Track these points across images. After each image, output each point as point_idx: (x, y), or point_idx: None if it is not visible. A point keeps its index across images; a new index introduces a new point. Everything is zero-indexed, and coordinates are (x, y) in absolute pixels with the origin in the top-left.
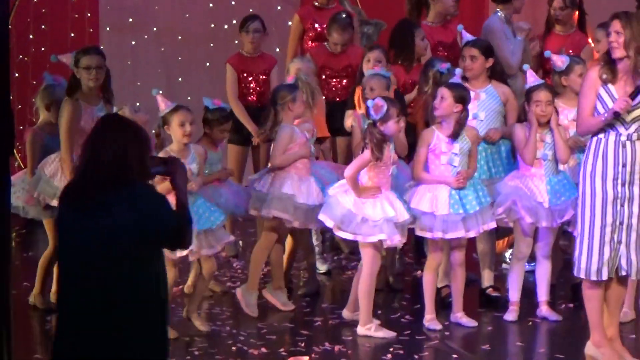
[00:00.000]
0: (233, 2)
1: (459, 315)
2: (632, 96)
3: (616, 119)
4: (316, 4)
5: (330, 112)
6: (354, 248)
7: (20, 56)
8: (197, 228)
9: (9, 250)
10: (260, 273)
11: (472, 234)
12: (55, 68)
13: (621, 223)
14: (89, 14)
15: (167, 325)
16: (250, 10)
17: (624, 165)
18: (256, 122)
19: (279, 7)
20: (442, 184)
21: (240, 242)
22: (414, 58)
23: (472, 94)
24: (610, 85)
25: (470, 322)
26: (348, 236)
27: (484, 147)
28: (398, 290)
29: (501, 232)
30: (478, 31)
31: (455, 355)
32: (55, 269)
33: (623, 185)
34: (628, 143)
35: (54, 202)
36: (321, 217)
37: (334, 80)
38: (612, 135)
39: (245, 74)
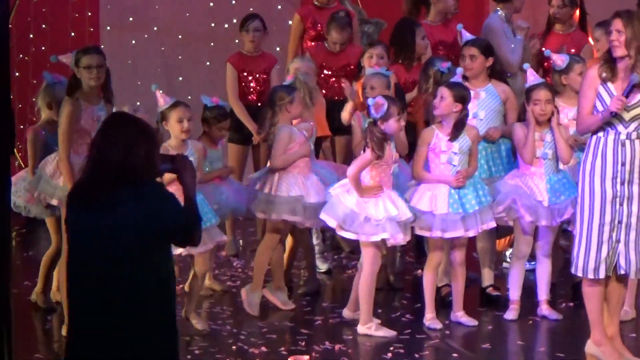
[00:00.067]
0: (233, 2)
1: (459, 314)
2: (625, 94)
3: (615, 117)
4: (316, 3)
5: (328, 111)
6: (354, 247)
7: (21, 55)
8: None
9: (9, 249)
10: (264, 273)
11: (471, 234)
12: (55, 68)
13: (620, 222)
14: (89, 13)
15: (175, 324)
16: (251, 9)
17: (624, 164)
18: (256, 121)
19: (279, 7)
20: (442, 183)
21: (241, 241)
22: (414, 57)
23: (472, 93)
24: (609, 84)
25: (471, 321)
26: (351, 236)
27: (484, 146)
28: (398, 289)
29: (501, 231)
30: (478, 30)
31: (455, 354)
32: (55, 268)
33: (622, 184)
34: (627, 142)
35: (55, 201)
36: (323, 216)
37: (333, 79)
38: (611, 134)
39: (245, 73)
